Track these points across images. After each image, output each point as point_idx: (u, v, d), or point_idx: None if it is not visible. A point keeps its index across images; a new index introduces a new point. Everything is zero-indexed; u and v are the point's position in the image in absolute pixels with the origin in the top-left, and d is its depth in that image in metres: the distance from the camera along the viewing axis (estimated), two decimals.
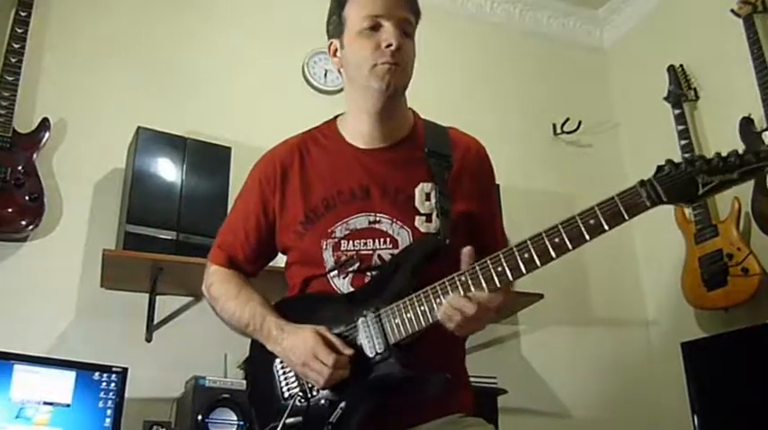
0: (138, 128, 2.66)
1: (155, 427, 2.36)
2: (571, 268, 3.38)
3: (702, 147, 3.17)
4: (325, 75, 3.26)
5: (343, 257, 1.38)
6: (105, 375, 2.30)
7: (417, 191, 1.41)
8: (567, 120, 3.60)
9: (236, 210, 1.56)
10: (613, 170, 3.58)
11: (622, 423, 3.17)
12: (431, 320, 1.26)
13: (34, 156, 2.64)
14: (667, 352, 3.14)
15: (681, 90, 3.23)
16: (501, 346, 3.16)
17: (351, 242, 1.39)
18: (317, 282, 1.41)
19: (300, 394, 1.34)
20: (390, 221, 1.39)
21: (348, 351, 1.30)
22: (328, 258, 1.39)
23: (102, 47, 2.97)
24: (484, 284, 1.24)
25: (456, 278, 1.26)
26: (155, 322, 2.65)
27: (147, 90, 2.96)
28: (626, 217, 1.18)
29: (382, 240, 1.38)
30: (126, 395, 2.31)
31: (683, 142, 3.10)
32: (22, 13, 2.72)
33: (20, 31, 2.69)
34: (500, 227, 1.55)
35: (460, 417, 1.37)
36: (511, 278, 1.24)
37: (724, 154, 1.15)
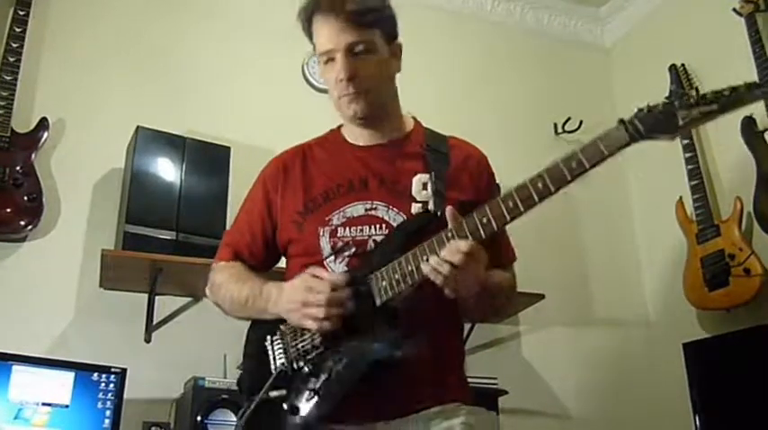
0: (138, 127, 2.65)
1: (153, 428, 2.36)
2: (572, 268, 3.37)
3: (704, 147, 3.15)
4: None
5: (339, 243, 1.41)
6: (104, 376, 2.28)
7: (414, 180, 1.45)
8: (569, 119, 3.58)
9: (243, 213, 1.60)
10: (615, 170, 3.56)
11: (623, 424, 3.16)
12: (417, 278, 1.28)
13: (32, 155, 2.63)
14: (669, 352, 3.12)
15: (683, 89, 3.20)
16: (502, 347, 3.15)
17: (347, 229, 1.42)
18: (313, 268, 1.43)
19: (286, 366, 1.35)
20: (386, 208, 1.43)
21: (343, 278, 1.31)
22: (325, 245, 1.43)
23: (101, 46, 2.96)
24: (468, 235, 1.26)
25: (442, 234, 1.28)
26: (154, 322, 2.65)
27: (146, 89, 2.95)
28: (605, 153, 1.20)
29: (378, 226, 1.41)
30: (125, 396, 2.30)
31: (684, 141, 3.08)
32: (21, 12, 2.70)
33: (18, 30, 2.67)
34: (505, 237, 1.54)
35: (459, 406, 1.38)
36: (495, 226, 1.25)
37: (702, 93, 1.18)
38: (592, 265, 3.42)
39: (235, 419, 2.29)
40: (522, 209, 1.24)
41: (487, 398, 2.61)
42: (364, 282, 1.33)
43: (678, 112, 1.17)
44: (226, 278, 1.51)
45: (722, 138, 3.07)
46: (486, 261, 1.29)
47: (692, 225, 3.02)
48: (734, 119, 2.92)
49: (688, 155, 3.06)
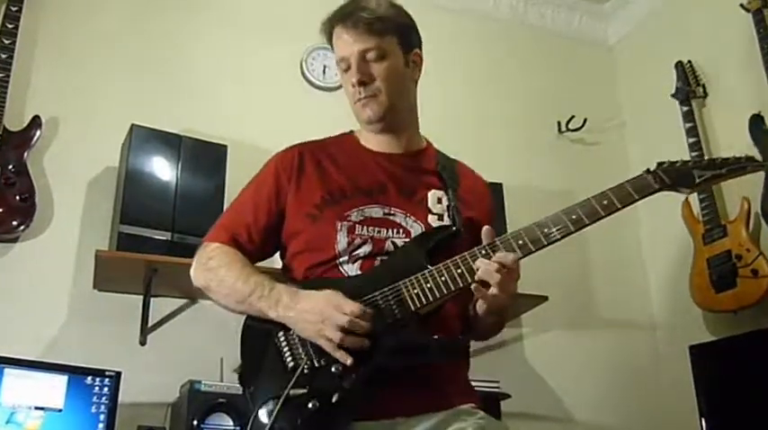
0: (132, 125, 2.61)
1: None
2: (576, 270, 3.34)
3: (711, 145, 3.11)
4: (324, 71, 3.20)
5: (358, 240, 1.41)
6: (98, 379, 2.26)
7: (430, 194, 1.50)
8: (573, 117, 3.54)
9: (245, 195, 1.56)
10: (619, 168, 3.51)
11: (628, 428, 3.13)
12: (452, 288, 1.31)
13: (25, 154, 2.60)
14: (675, 355, 3.09)
15: (689, 87, 3.17)
16: (504, 350, 3.11)
17: (365, 227, 1.43)
18: (323, 268, 1.42)
19: (308, 364, 1.30)
20: (404, 215, 1.46)
21: (368, 310, 1.30)
22: (342, 239, 1.42)
23: (96, 43, 2.93)
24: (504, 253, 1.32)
25: (476, 250, 1.33)
26: (149, 325, 2.61)
27: (141, 87, 2.92)
28: (636, 197, 1.35)
29: (395, 230, 1.44)
30: (119, 400, 2.28)
31: (691, 140, 3.04)
32: (13, 8, 2.67)
33: (10, 26, 2.65)
34: None
35: (474, 408, 1.38)
36: (533, 248, 1.33)
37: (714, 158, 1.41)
38: (596, 266, 3.39)
39: (231, 423, 2.26)
40: (558, 236, 1.33)
41: (490, 401, 2.58)
42: (393, 290, 1.33)
43: (694, 172, 1.37)
44: (226, 262, 1.44)
45: (729, 136, 3.03)
46: (518, 279, 1.35)
47: (698, 225, 2.97)
48: (741, 116, 2.88)
49: (694, 153, 3.01)
